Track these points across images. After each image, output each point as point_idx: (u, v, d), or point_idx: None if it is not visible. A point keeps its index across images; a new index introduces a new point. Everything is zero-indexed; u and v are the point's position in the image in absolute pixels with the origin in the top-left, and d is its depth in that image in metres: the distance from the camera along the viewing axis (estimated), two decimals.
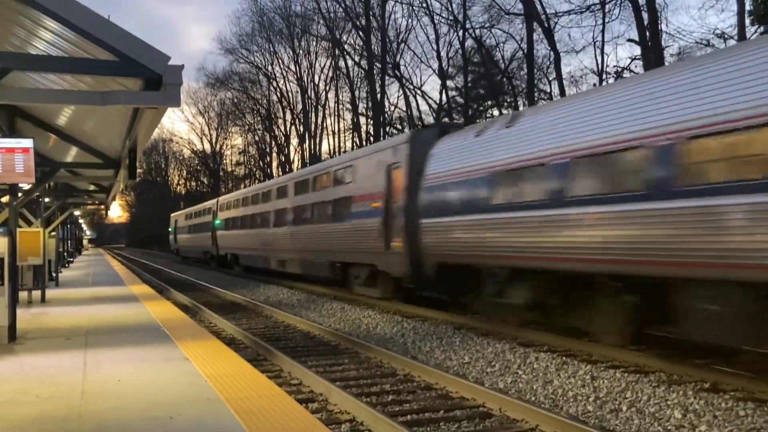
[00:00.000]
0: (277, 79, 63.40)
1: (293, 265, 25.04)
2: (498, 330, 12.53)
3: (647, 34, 26.33)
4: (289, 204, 25.52)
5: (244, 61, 64.43)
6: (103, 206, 30.04)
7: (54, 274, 21.42)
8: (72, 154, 14.53)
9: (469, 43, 40.82)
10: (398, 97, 49.50)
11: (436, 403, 7.98)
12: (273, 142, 68.38)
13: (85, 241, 75.17)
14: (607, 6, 31.02)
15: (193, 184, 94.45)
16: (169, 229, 63.09)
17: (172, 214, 64.04)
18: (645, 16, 26.88)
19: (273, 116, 66.08)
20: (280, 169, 64.19)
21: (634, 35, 28.29)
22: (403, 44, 46.57)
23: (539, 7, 33.09)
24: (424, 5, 42.06)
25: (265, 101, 66.67)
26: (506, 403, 7.47)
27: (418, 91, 46.25)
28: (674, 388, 8.12)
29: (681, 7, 60.40)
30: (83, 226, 57.99)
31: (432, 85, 72.55)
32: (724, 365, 9.10)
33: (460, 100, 44.47)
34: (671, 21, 58.93)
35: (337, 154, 52.13)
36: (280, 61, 61.79)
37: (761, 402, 7.43)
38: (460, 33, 40.24)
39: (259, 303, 19.10)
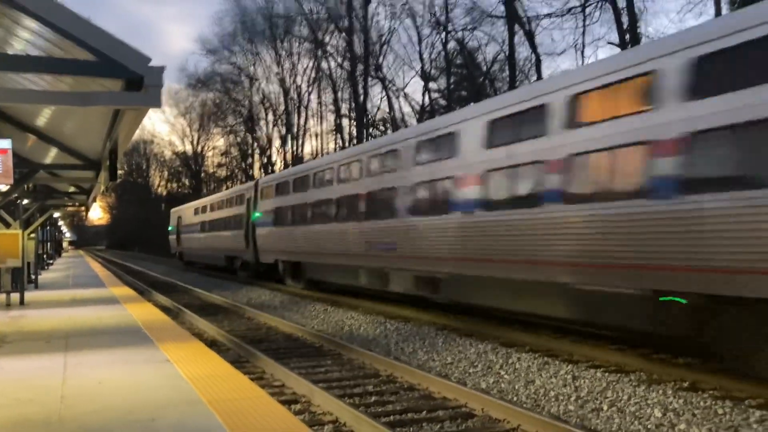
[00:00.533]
0: (260, 80, 63.23)
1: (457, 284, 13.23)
2: (481, 330, 12.59)
3: (627, 37, 26.59)
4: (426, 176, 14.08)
5: (226, 62, 64.18)
6: (83, 208, 29.76)
7: (33, 277, 21.17)
8: (51, 155, 14.38)
9: (452, 45, 41.02)
10: (381, 98, 49.56)
11: (419, 403, 8.00)
12: (255, 144, 68.12)
13: (65, 243, 74.38)
14: (587, 9, 31.29)
15: (175, 185, 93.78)
16: (169, 228, 50.43)
17: (172, 210, 51.23)
18: (625, 19, 27.16)
19: (255, 117, 65.84)
20: (262, 171, 63.94)
21: (615, 38, 28.57)
22: (385, 46, 46.68)
23: (520, 10, 33.31)
24: (407, 7, 42.17)
25: (247, 102, 66.43)
26: (488, 403, 7.51)
27: (401, 93, 46.36)
28: (654, 387, 8.21)
29: (660, 10, 61.23)
30: (63, 227, 57.38)
31: (415, 87, 72.82)
32: (702, 364, 9.22)
33: (442, 102, 44.60)
34: (650, 24, 59.61)
35: (321, 155, 51.99)
36: (262, 62, 61.63)
37: (739, 400, 7.54)
38: (443, 35, 40.42)
39: (241, 305, 19.01)
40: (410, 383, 8.94)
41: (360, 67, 46.37)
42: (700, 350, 9.53)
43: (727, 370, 8.64)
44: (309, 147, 58.89)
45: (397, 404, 7.97)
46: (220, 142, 79.23)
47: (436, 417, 7.38)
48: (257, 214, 26.77)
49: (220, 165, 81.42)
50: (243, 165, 73.13)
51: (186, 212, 44.01)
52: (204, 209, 38.18)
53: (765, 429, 6.65)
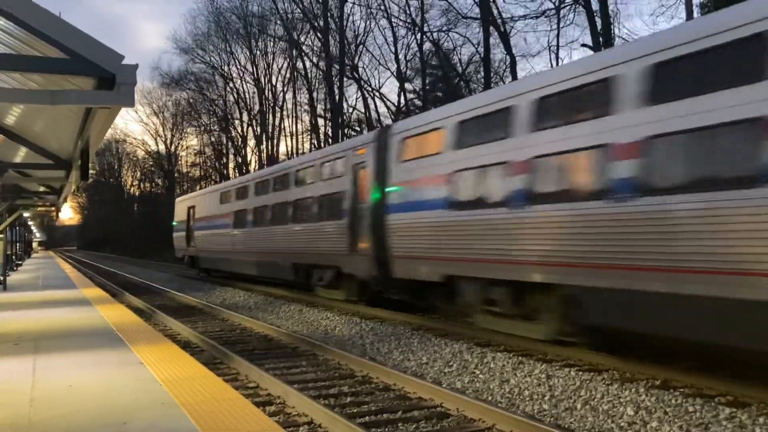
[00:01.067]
0: (234, 80, 62.79)
1: None
2: (456, 330, 12.63)
3: (601, 39, 26.88)
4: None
5: (200, 60, 63.61)
6: (54, 208, 29.27)
7: (2, 278, 20.78)
8: (21, 154, 14.12)
9: (427, 46, 41.10)
10: (357, 98, 49.51)
11: (395, 403, 8.00)
12: (230, 143, 67.65)
13: (34, 244, 73.14)
14: (561, 11, 31.57)
15: (147, 185, 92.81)
16: (173, 224, 37.47)
17: (179, 199, 39.21)
18: (599, 21, 27.45)
19: (229, 117, 65.38)
20: (236, 171, 63.51)
21: (589, 40, 28.86)
22: (361, 46, 46.61)
23: (495, 12, 33.50)
24: (382, 8, 42.18)
25: (221, 102, 65.93)
26: (463, 402, 7.53)
27: (377, 93, 46.35)
28: (627, 385, 8.30)
29: (634, 13, 61.97)
30: (33, 228, 56.41)
31: (391, 87, 72.82)
32: (674, 362, 9.35)
33: (418, 102, 44.69)
34: (624, 26, 60.41)
35: (296, 155, 51.77)
36: (236, 61, 61.19)
37: (709, 398, 7.66)
38: (418, 36, 40.49)
39: (216, 306, 18.86)
40: (386, 383, 8.94)
41: (335, 67, 46.25)
42: (671, 349, 9.66)
43: (698, 369, 8.78)
44: (284, 147, 58.64)
45: (373, 405, 7.96)
46: (194, 141, 78.62)
47: (412, 417, 7.39)
48: (391, 190, 14.54)
49: (194, 164, 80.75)
50: (217, 165, 72.62)
51: (203, 200, 31.38)
52: (242, 193, 25.50)
53: (734, 425, 6.76)
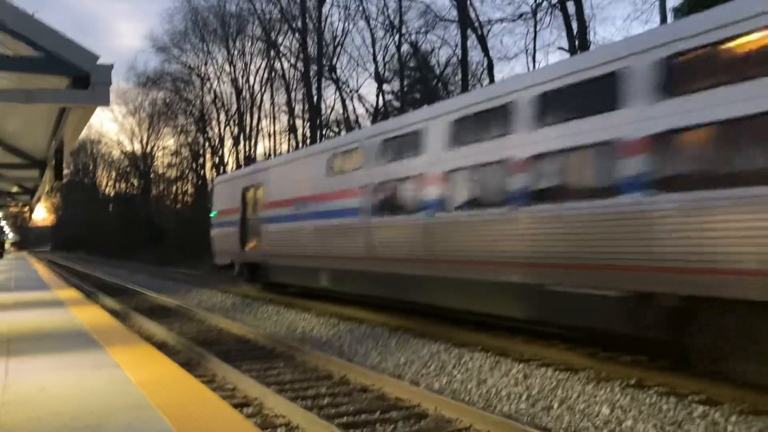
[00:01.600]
0: (211, 80, 62.35)
1: None
2: (433, 331, 12.66)
3: (576, 43, 27.15)
4: None
5: (177, 60, 63.07)
6: (27, 208, 28.82)
7: None
8: None
9: (405, 47, 41.18)
10: (335, 99, 49.39)
11: (373, 404, 8.01)
12: (207, 144, 67.17)
13: (7, 245, 72.01)
14: (538, 15, 31.81)
15: (123, 186, 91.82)
16: (211, 215, 25.72)
17: (222, 178, 27.57)
18: (575, 25, 27.72)
19: (206, 117, 64.91)
20: (214, 171, 63.05)
21: (565, 44, 29.13)
22: (339, 47, 46.55)
23: (473, 14, 33.67)
24: (361, 9, 42.20)
25: (198, 102, 65.44)
26: (441, 403, 7.56)
27: (355, 95, 46.35)
28: (602, 384, 8.39)
29: (608, 17, 62.71)
30: (5, 229, 55.55)
31: (369, 89, 72.66)
32: (648, 362, 9.47)
33: (397, 104, 44.75)
34: (599, 31, 61.04)
35: (273, 156, 51.53)
36: (214, 61, 60.79)
37: (682, 396, 7.77)
38: (396, 37, 40.54)
39: (192, 307, 18.73)
40: (364, 384, 8.94)
41: (314, 68, 46.15)
42: (646, 348, 9.79)
43: (671, 368, 8.90)
44: (262, 147, 58.40)
45: (351, 405, 7.96)
46: (170, 141, 77.92)
47: (390, 418, 7.40)
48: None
49: (170, 165, 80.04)
50: (194, 165, 72.08)
51: (283, 175, 19.55)
52: (405, 145, 13.55)
53: (707, 423, 6.87)
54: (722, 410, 7.21)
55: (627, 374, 8.83)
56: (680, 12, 21.22)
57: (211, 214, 25.49)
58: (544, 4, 30.98)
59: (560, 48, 30.48)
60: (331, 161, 16.56)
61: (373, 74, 43.71)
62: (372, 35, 43.01)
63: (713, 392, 7.79)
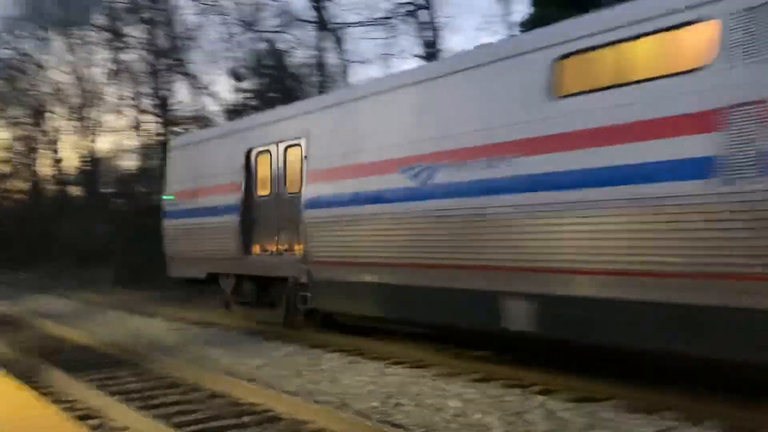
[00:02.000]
0: (50, 69, 58.00)
1: None
2: (288, 333, 12.59)
3: (427, 50, 28.12)
4: None
5: (10, 47, 58.05)
6: None
7: None
8: None
9: (262, 45, 40.59)
10: (188, 95, 47.56)
11: (225, 410, 7.80)
12: (44, 137, 62.40)
13: None
14: (393, 21, 32.52)
15: None
16: (165, 198, 16.55)
17: (182, 139, 19.06)
18: (429, 33, 28.65)
19: (43, 109, 60.27)
20: (55, 167, 58.65)
21: (420, 51, 30.02)
22: (192, 41, 44.98)
23: (330, 17, 33.86)
24: (215, 4, 41.04)
25: (34, 93, 60.60)
26: (295, 405, 7.52)
27: (208, 91, 44.99)
28: (452, 379, 8.74)
29: (460, 27, 65.48)
30: None
31: (225, 85, 70.81)
32: (495, 356, 9.99)
33: (254, 102, 43.99)
34: (450, 40, 63.53)
35: (119, 151, 48.75)
36: (53, 50, 56.60)
37: (525, 387, 8.29)
38: (252, 35, 39.85)
39: (27, 314, 17.32)
40: (216, 390, 8.69)
41: (163, 61, 44.27)
42: (492, 344, 10.33)
43: (517, 361, 9.45)
44: (106, 142, 55.20)
45: (201, 413, 7.71)
46: (2, 134, 71.63)
47: (242, 423, 7.25)
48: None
49: (2, 161, 73.58)
50: (29, 161, 66.76)
51: (370, 111, 10.63)
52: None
53: (544, 411, 7.35)
54: (558, 398, 7.76)
55: (474, 369, 9.27)
56: (525, 27, 22.51)
57: (166, 197, 16.68)
58: (399, 10, 31.75)
59: (416, 56, 31.37)
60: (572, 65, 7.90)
61: (227, 71, 42.68)
62: (227, 32, 41.97)
63: (551, 383, 8.37)
